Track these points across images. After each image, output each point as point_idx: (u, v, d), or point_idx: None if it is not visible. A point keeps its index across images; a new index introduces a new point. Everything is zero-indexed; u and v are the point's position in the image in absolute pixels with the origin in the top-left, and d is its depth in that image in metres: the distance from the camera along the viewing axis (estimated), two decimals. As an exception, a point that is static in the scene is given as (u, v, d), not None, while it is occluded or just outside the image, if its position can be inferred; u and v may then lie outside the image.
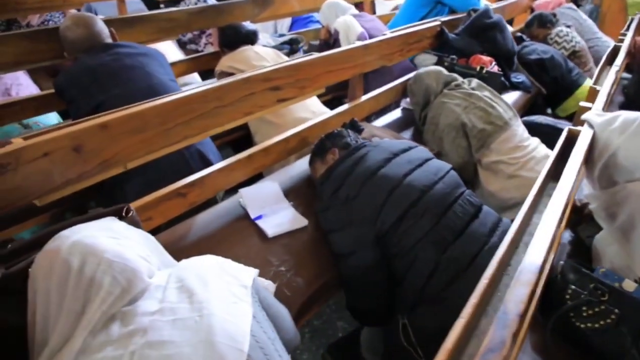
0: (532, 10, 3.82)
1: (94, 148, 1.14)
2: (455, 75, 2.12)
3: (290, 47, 2.79)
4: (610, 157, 1.26)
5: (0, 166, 0.99)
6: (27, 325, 0.74)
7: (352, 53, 1.91)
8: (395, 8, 4.35)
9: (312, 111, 2.18)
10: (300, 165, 1.82)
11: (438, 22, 2.47)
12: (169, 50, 2.62)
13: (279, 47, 2.73)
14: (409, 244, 1.30)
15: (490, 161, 1.91)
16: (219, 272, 0.83)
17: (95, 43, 1.81)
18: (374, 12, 4.38)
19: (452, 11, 3.06)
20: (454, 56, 2.31)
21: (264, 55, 2.27)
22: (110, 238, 0.82)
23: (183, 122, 1.33)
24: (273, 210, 1.52)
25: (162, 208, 1.35)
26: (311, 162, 1.68)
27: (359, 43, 1.98)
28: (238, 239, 1.40)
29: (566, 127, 2.34)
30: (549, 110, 3.10)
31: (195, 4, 3.07)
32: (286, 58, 2.32)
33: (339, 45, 2.73)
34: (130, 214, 1.05)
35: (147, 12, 2.20)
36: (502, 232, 1.37)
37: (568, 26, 3.36)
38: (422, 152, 1.55)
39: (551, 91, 2.89)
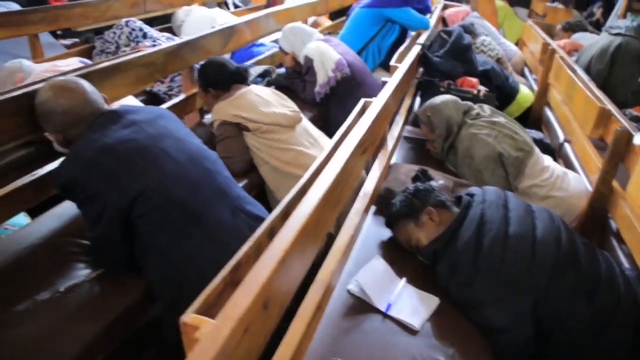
0: (444, 20, 4.00)
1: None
2: (469, 102, 2.07)
3: (263, 79, 2.45)
4: None
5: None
6: None
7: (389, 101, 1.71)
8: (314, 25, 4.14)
9: (322, 148, 1.93)
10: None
11: (419, 47, 2.40)
12: (133, 103, 2.09)
13: (254, 82, 2.38)
14: (560, 303, 1.22)
15: (525, 187, 1.91)
16: None
17: (96, 113, 1.32)
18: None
19: (403, 29, 3.02)
20: (450, 81, 2.27)
21: (267, 97, 1.93)
22: None
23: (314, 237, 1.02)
24: (396, 293, 1.29)
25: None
26: (396, 225, 1.48)
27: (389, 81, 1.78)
28: (396, 346, 1.15)
29: (536, 135, 2.50)
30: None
31: (130, 33, 2.51)
32: (287, 98, 2.01)
33: (314, 74, 2.49)
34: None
35: (121, 59, 1.69)
36: (616, 266, 1.36)
37: (486, 35, 3.60)
38: (514, 195, 1.49)
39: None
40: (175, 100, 2.04)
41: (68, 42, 2.93)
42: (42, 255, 1.34)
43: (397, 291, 1.30)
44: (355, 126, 1.35)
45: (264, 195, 1.94)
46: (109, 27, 2.65)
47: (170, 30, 3.19)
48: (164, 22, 3.33)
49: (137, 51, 2.35)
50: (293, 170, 1.83)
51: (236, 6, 4.29)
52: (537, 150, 1.98)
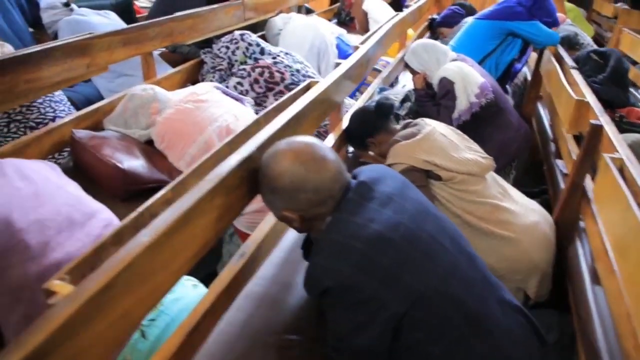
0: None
1: None
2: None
3: (402, 105, 2.15)
4: None
5: None
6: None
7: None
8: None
9: (531, 209, 1.65)
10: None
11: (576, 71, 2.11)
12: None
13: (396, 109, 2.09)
14: None
15: None
16: None
17: (345, 186, 1.03)
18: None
19: (526, 43, 2.72)
20: (622, 113, 1.99)
21: (452, 138, 1.64)
22: None
23: None
24: None
25: None
26: None
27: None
28: None
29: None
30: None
31: (247, 49, 2.19)
32: (469, 138, 1.72)
33: (453, 98, 2.19)
34: None
35: (313, 93, 1.38)
36: None
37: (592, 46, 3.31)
38: None
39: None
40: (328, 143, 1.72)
41: (157, 51, 2.59)
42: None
43: None
44: None
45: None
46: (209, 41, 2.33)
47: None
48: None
49: (260, 69, 2.05)
50: (488, 227, 1.55)
51: (309, 11, 3.94)
52: None
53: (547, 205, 1.85)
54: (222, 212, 0.96)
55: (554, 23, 2.68)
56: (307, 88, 1.51)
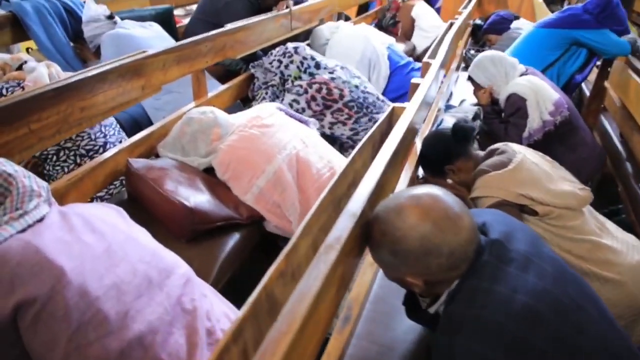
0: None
1: None
2: None
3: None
4: None
5: None
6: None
7: None
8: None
9: (632, 245, 1.47)
10: None
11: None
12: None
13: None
14: None
15: None
16: None
17: (478, 247, 0.87)
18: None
19: (591, 53, 2.53)
20: None
21: (543, 167, 1.46)
22: None
23: None
24: None
25: None
26: None
27: None
28: None
29: None
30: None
31: (301, 63, 2.02)
32: (560, 166, 1.54)
33: (524, 115, 2.02)
34: None
35: (406, 114, 1.21)
36: None
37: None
38: None
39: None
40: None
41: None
42: None
43: None
44: None
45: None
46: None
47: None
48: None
49: (317, 85, 1.89)
50: (589, 267, 1.37)
51: (347, 18, 3.77)
52: None
53: (626, 229, 1.66)
54: (340, 282, 0.80)
55: (625, 31, 2.48)
56: (391, 115, 1.34)
